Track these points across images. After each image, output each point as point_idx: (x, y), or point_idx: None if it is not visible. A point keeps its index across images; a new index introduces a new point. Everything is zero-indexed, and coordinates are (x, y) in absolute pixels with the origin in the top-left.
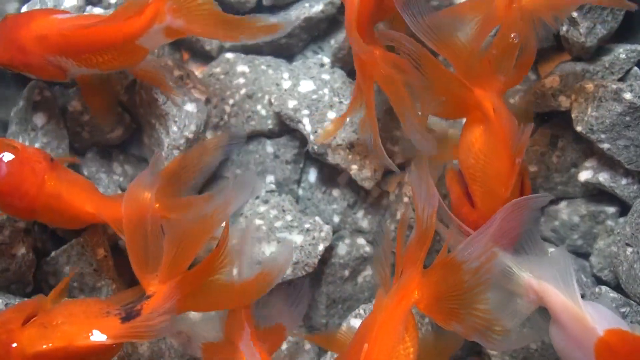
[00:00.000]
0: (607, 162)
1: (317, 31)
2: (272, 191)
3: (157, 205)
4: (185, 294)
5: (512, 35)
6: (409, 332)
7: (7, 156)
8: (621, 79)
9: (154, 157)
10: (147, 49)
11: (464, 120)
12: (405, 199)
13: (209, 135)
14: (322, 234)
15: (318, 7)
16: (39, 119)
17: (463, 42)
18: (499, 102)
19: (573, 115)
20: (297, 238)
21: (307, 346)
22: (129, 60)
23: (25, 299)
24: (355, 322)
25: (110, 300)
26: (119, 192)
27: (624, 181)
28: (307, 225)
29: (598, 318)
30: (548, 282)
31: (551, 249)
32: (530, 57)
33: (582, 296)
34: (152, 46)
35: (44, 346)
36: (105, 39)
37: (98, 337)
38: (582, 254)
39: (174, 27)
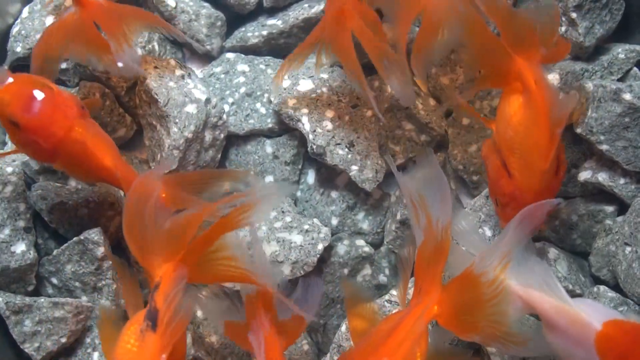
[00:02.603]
0: (606, 162)
1: None
2: None
3: (163, 195)
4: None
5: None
6: (420, 345)
7: (41, 94)
8: (620, 79)
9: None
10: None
11: None
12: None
13: (207, 134)
14: (321, 235)
15: (319, 7)
16: None
17: (512, 9)
18: (540, 73)
19: (573, 117)
20: (297, 238)
21: (306, 347)
22: None
23: (26, 298)
24: None
25: (133, 313)
26: (122, 192)
27: (622, 180)
28: (306, 227)
29: (592, 313)
30: (533, 289)
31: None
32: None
33: (581, 295)
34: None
35: None
36: None
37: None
38: (580, 253)
39: None
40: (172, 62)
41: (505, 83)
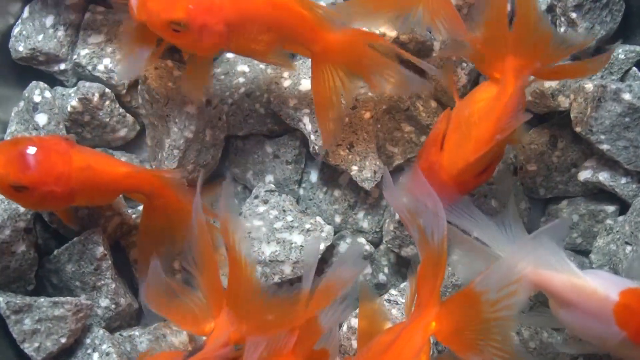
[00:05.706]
0: (607, 162)
1: None
2: (271, 191)
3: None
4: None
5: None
6: None
7: (32, 149)
8: (620, 79)
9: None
10: None
11: None
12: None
13: (207, 134)
14: (323, 234)
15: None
16: (41, 120)
17: (540, 14)
18: (519, 80)
19: (572, 116)
20: (298, 238)
21: None
22: None
23: (27, 298)
24: (357, 322)
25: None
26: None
27: (623, 180)
28: (307, 226)
29: (606, 284)
30: (542, 267)
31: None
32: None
33: None
34: None
35: None
36: None
37: None
38: (581, 252)
39: None
40: (170, 62)
41: (490, 73)
